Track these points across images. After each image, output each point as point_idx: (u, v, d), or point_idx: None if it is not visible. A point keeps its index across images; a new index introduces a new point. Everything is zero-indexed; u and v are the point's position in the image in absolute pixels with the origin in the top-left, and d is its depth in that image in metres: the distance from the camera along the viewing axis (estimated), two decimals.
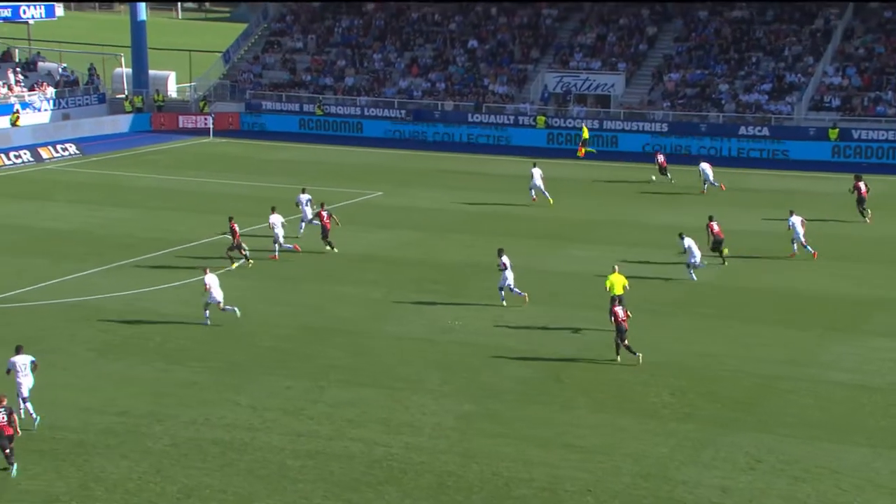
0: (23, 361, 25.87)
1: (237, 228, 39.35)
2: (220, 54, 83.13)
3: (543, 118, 69.90)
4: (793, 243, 41.40)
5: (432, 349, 31.23)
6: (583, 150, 63.60)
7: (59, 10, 76.57)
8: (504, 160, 63.08)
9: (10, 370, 25.88)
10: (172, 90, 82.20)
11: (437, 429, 25.71)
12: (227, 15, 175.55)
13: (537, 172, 50.67)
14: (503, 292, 35.15)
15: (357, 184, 55.41)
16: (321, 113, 73.73)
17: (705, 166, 53.82)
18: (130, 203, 50.62)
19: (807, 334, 32.87)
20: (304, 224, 43.59)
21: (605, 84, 71.39)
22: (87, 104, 75.13)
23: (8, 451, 23.46)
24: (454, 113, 72.44)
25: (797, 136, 65.20)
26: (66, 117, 72.04)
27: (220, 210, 48.07)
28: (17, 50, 79.13)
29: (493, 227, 45.20)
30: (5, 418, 23.42)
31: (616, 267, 34.21)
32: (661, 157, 56.51)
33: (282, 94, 75.72)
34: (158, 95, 76.96)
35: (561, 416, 26.59)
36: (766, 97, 68.05)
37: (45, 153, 62.42)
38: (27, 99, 71.32)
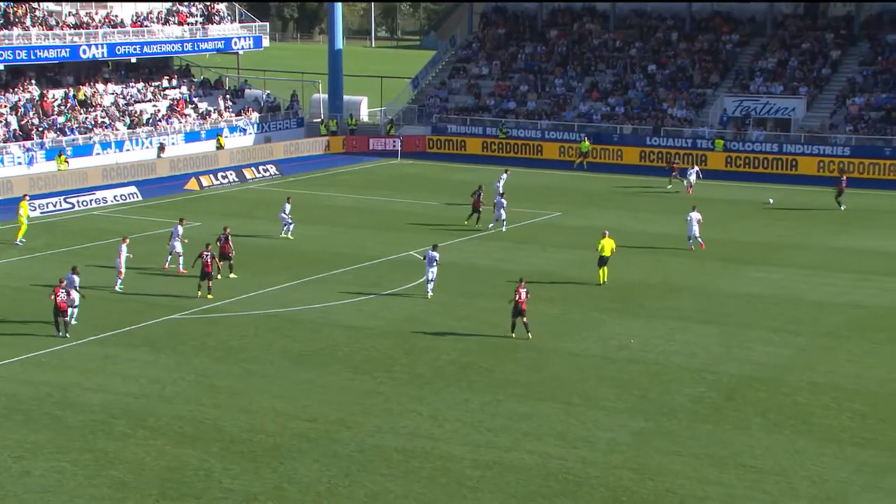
0: (71, 280, 34.25)
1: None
2: (409, 80, 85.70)
3: (721, 142, 69.58)
4: (689, 240, 45.08)
5: (607, 366, 31.75)
6: (584, 161, 68.47)
7: (266, 41, 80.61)
8: (677, 181, 62.59)
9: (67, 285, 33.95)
10: (364, 114, 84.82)
11: (611, 444, 26.07)
12: (417, 43, 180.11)
13: (504, 177, 55.88)
14: (429, 286, 38.45)
15: (536, 204, 56.36)
16: (504, 136, 75.18)
17: (694, 170, 60.07)
18: (324, 220, 52.61)
19: None
20: (285, 227, 47.65)
21: (786, 108, 70.74)
22: (286, 128, 78.55)
23: (61, 321, 33.33)
24: (632, 136, 72.77)
25: None
26: (267, 140, 75.40)
27: (406, 228, 49.86)
28: (227, 78, 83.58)
29: (669, 248, 45.58)
30: (65, 297, 33.19)
31: (607, 232, 40.65)
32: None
33: (466, 117, 77.49)
34: (352, 119, 79.67)
35: (735, 435, 26.60)
36: None
37: (248, 174, 65.24)
38: (234, 123, 75.09)
